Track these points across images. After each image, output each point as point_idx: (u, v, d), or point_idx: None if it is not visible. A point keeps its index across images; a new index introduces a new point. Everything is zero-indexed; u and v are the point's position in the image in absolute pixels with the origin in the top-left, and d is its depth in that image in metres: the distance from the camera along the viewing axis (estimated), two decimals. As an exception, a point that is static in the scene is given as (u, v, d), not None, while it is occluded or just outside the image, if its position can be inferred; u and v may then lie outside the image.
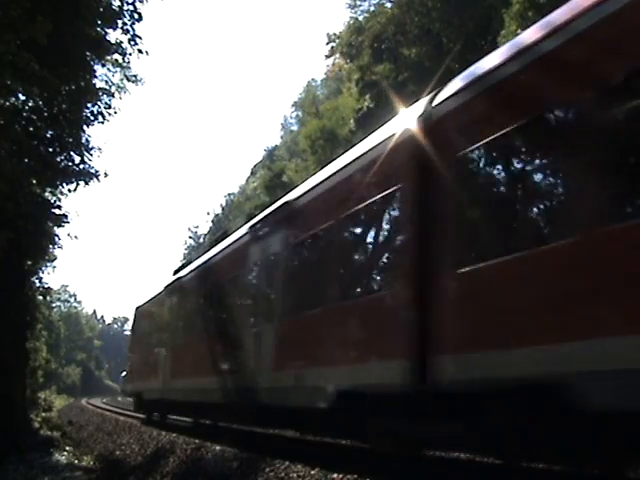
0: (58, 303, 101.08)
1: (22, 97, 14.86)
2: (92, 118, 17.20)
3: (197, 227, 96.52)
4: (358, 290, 8.49)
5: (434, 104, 6.99)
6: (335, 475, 9.50)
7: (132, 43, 16.32)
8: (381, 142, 7.87)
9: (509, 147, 5.94)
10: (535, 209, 5.84)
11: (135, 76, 18.23)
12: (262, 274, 11.63)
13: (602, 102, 4.85)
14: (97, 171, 17.46)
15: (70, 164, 17.08)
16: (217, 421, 16.10)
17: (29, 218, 16.70)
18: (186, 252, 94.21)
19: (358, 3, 40.70)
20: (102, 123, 17.43)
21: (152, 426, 19.27)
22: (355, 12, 40.75)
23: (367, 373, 7.55)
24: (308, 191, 10.07)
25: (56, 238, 21.05)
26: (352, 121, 34.22)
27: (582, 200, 4.89)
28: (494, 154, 6.12)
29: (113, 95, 17.85)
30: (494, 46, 24.91)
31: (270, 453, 12.55)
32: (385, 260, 8.18)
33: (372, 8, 38.71)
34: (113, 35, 16.47)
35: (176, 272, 19.81)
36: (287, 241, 10.44)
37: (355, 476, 9.42)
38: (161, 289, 20.46)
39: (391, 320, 7.13)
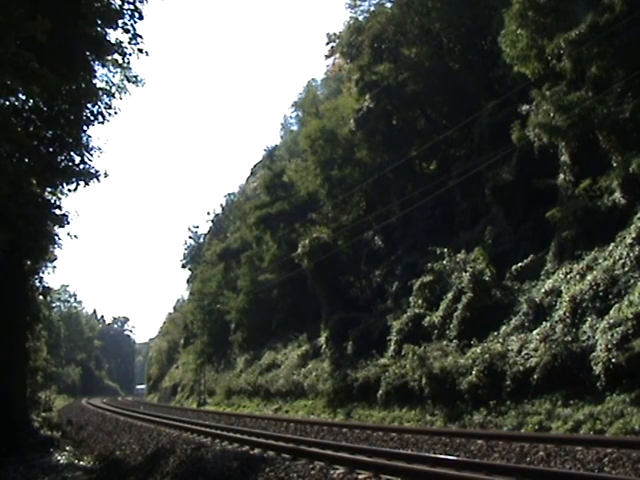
0: (58, 303, 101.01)
1: (22, 97, 14.84)
2: (92, 118, 17.16)
3: (197, 227, 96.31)
4: None
5: None
6: (336, 475, 9.52)
7: (133, 42, 16.30)
8: None
9: None
10: None
11: (135, 76, 18.14)
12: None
13: None
14: (97, 171, 17.40)
15: (70, 164, 17.03)
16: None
17: (29, 219, 16.65)
18: (186, 252, 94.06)
19: (358, 3, 40.67)
20: (102, 123, 17.38)
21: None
22: (355, 12, 40.75)
23: None
24: None
25: (56, 238, 21.05)
26: (352, 121, 34.17)
27: None
28: None
29: (113, 95, 17.79)
30: (494, 46, 24.93)
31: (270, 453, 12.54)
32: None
33: (372, 8, 38.71)
34: (113, 35, 16.47)
35: None
36: None
37: (355, 475, 9.44)
38: None
39: None
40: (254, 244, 48.50)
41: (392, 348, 23.92)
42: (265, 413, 30.94)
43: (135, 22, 15.99)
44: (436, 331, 22.16)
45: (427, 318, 23.01)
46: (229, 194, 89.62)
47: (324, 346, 30.91)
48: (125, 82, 18.05)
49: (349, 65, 38.54)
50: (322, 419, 24.17)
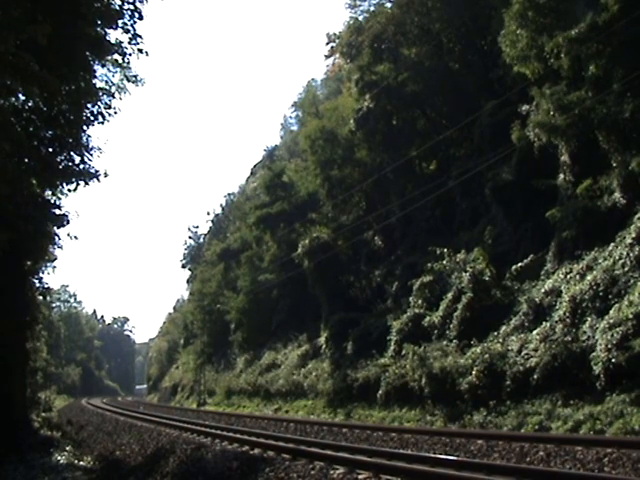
0: (58, 303, 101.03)
1: (22, 97, 14.83)
2: (92, 118, 17.13)
3: (197, 227, 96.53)
4: None
5: None
6: (336, 475, 9.52)
7: (132, 42, 16.30)
8: None
9: None
10: None
11: (135, 76, 18.11)
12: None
13: None
14: (97, 171, 17.36)
15: (70, 164, 17.01)
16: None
17: (29, 219, 16.65)
18: (186, 252, 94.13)
19: (358, 3, 40.73)
20: (102, 123, 17.34)
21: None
22: (355, 12, 40.82)
23: None
24: None
25: (56, 238, 21.01)
26: (352, 121, 34.16)
27: None
28: None
29: (113, 95, 17.76)
30: (494, 46, 24.92)
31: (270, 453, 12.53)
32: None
33: (372, 8, 38.74)
34: (113, 35, 16.46)
35: None
36: None
37: (354, 475, 9.44)
38: None
39: None
40: (254, 244, 48.50)
41: (392, 348, 23.92)
42: (265, 413, 30.94)
43: (135, 22, 15.99)
44: (436, 331, 22.15)
45: (427, 318, 23.00)
46: (229, 194, 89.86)
47: (324, 346, 30.91)
48: (125, 82, 18.03)
49: (349, 65, 38.55)
50: (322, 419, 24.17)
